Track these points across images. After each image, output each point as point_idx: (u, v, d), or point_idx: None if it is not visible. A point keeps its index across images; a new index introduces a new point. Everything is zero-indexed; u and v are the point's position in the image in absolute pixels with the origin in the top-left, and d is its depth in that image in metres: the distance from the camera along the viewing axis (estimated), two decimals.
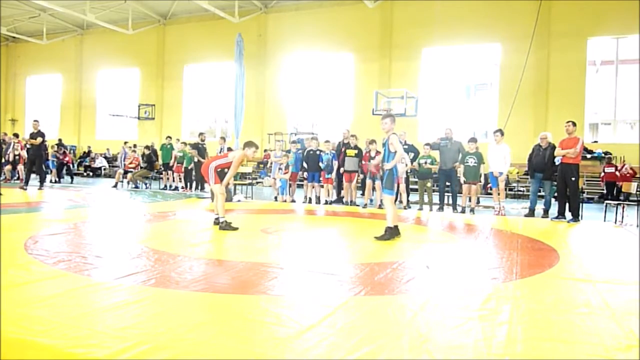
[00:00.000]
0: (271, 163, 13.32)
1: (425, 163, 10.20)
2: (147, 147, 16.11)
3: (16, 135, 16.50)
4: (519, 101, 15.68)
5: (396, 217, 6.06)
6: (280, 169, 11.33)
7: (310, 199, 11.01)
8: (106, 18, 21.40)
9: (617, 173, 14.08)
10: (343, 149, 10.75)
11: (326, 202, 10.87)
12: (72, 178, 17.37)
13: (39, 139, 12.22)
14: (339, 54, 20.13)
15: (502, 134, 9.53)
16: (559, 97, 16.44)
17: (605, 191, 14.27)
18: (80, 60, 25.66)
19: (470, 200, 9.66)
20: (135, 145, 17.26)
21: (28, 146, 12.87)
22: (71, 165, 18.02)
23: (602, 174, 14.77)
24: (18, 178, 15.81)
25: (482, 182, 9.68)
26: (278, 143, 19.00)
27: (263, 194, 14.18)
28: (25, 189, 11.95)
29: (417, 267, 4.39)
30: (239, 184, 13.41)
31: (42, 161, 12.91)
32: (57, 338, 2.34)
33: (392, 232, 5.81)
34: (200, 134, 14.28)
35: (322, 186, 11.02)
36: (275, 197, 11.34)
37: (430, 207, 10.09)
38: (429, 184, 10.24)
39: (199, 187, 13.46)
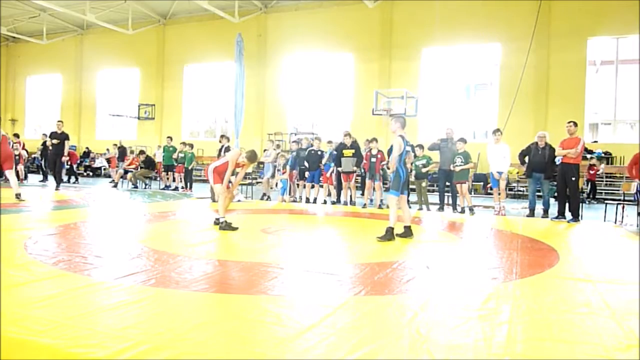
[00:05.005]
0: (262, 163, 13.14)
1: (422, 165, 10.17)
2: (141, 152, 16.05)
3: (16, 136, 16.43)
4: (519, 101, 15.68)
5: (408, 218, 6.20)
6: (279, 169, 11.33)
7: (308, 198, 11.01)
8: (106, 18, 21.39)
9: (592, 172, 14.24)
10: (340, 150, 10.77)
11: (325, 202, 10.87)
12: (76, 178, 17.33)
13: (49, 140, 12.31)
14: (339, 54, 20.11)
15: (501, 134, 9.55)
16: (559, 97, 16.43)
17: (588, 190, 14.35)
18: (80, 60, 25.65)
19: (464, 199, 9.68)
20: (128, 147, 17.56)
21: (50, 146, 12.94)
22: (74, 166, 17.98)
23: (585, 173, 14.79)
24: (18, 178, 15.78)
25: (470, 182, 9.71)
26: (270, 143, 18.85)
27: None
28: (56, 187, 12.31)
29: (417, 267, 4.39)
30: (240, 184, 13.38)
31: (61, 161, 12.96)
32: (57, 338, 2.34)
33: (391, 233, 5.82)
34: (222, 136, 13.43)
35: (321, 186, 11.02)
36: (262, 195, 11.52)
37: (426, 207, 10.06)
38: (423, 184, 10.23)
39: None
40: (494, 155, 9.39)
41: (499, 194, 9.53)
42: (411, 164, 10.36)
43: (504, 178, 9.40)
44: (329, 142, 11.36)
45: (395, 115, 6.00)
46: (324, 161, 10.82)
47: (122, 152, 17.28)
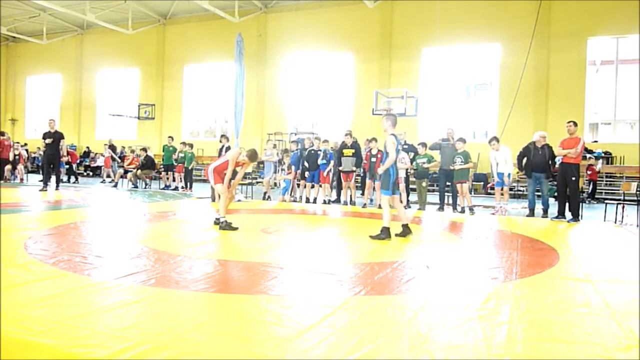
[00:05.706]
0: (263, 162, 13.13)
1: (423, 163, 10.16)
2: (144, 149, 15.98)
3: (1, 134, 15.70)
4: (519, 101, 15.66)
5: (404, 217, 6.16)
6: (283, 169, 11.35)
7: (308, 198, 11.00)
8: (106, 18, 21.39)
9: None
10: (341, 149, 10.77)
11: (324, 202, 10.86)
12: (76, 178, 17.30)
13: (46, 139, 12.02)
14: (339, 54, 20.11)
15: (498, 141, 9.59)
16: (559, 97, 16.43)
17: (590, 190, 14.36)
18: (80, 60, 25.65)
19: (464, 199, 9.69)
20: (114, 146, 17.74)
21: (44, 146, 12.55)
22: (74, 165, 18.01)
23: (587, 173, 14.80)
24: (18, 178, 15.79)
25: (470, 181, 9.75)
26: (270, 142, 18.91)
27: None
28: (46, 190, 11.69)
29: (417, 267, 4.39)
30: (240, 184, 13.38)
31: (59, 161, 12.68)
32: (57, 338, 2.34)
33: (387, 233, 5.80)
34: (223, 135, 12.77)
35: (320, 186, 11.03)
36: (264, 195, 11.54)
37: (423, 207, 10.06)
38: (424, 184, 10.22)
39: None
40: (499, 159, 9.44)
41: (502, 194, 9.55)
42: (411, 162, 10.37)
43: (509, 182, 9.46)
44: (325, 141, 11.37)
45: (386, 113, 5.91)
46: (318, 161, 10.83)
47: (113, 149, 17.44)
